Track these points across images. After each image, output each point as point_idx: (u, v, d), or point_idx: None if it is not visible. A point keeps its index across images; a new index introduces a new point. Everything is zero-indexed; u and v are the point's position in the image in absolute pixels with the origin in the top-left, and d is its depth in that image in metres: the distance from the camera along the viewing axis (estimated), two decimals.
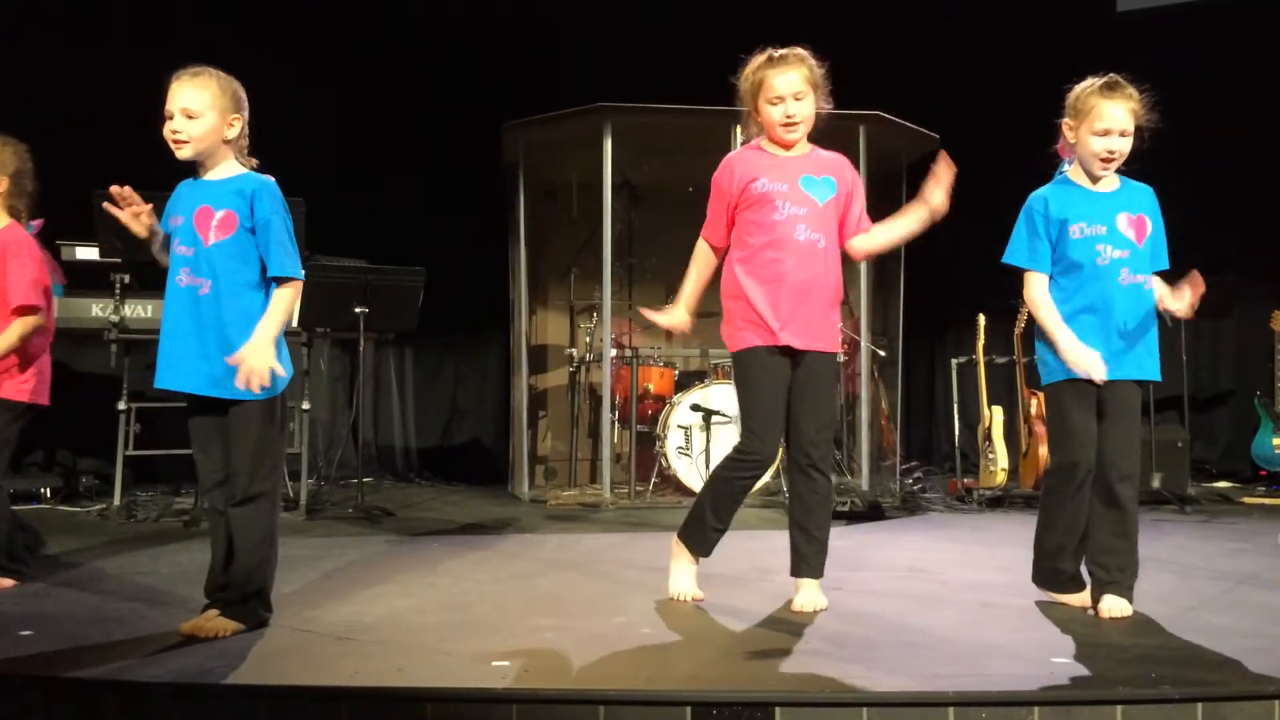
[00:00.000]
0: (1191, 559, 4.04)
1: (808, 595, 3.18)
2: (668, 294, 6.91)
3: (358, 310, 5.22)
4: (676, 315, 3.30)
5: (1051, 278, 3.13)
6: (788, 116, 3.10)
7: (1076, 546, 3.14)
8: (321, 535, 4.66)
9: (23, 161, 3.59)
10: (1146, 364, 3.13)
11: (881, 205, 3.43)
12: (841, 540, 4.62)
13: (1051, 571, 3.19)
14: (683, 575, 3.30)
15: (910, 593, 3.44)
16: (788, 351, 3.12)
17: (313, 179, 6.16)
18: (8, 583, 3.47)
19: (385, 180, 7.04)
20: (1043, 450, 5.68)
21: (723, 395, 5.89)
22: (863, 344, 6.32)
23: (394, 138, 7.08)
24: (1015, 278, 3.19)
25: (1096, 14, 7.21)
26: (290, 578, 3.67)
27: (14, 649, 2.68)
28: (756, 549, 4.28)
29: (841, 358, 6.49)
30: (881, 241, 3.24)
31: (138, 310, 5.38)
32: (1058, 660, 2.57)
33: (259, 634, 2.83)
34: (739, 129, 6.15)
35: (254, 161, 3.01)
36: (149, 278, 5.11)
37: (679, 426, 5.91)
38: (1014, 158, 3.25)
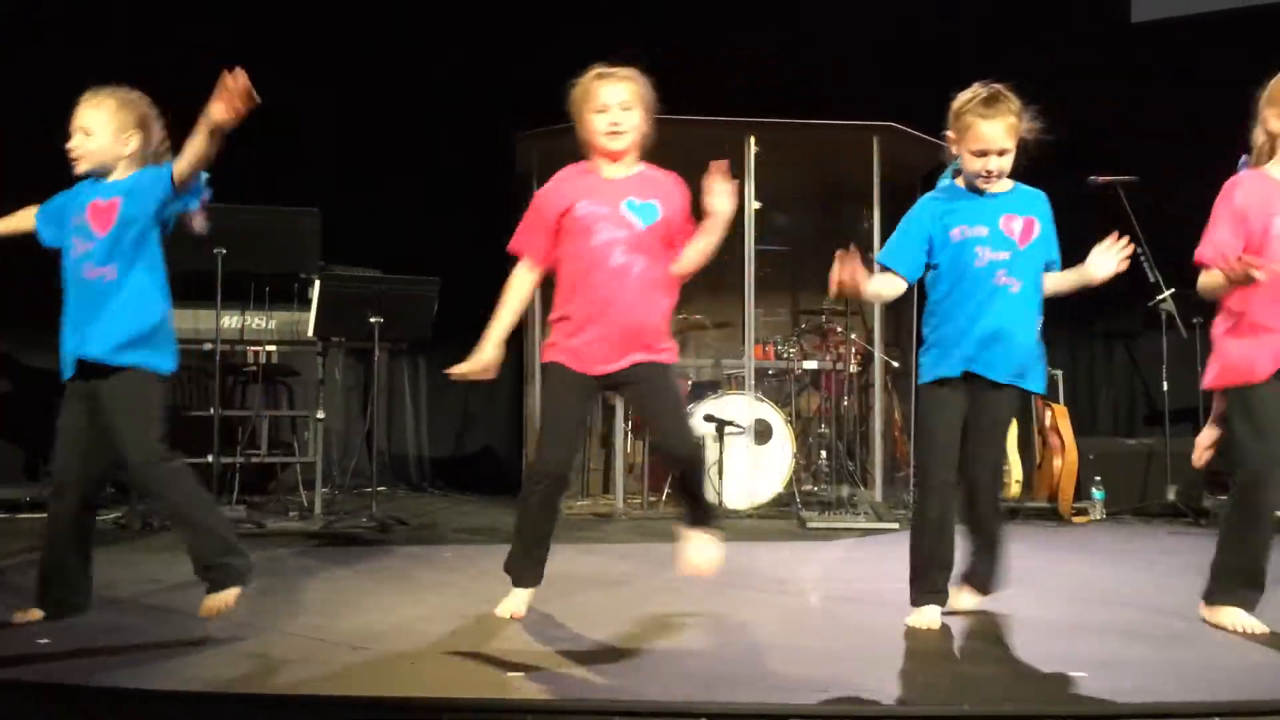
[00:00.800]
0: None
1: (697, 547, 3.20)
2: (681, 303, 6.95)
3: (372, 320, 5.24)
4: (481, 358, 3.16)
5: (931, 284, 3.11)
6: (612, 124, 3.08)
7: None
8: (336, 545, 4.67)
9: None
10: (1028, 373, 3.08)
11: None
12: (856, 552, 4.61)
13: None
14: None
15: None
16: (599, 381, 3.11)
17: (321, 187, 6.22)
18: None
19: (391, 185, 7.06)
20: (1056, 462, 5.66)
21: (736, 406, 5.89)
22: (876, 355, 6.31)
23: (401, 141, 7.08)
24: None
25: (1111, 24, 7.20)
26: (305, 586, 3.68)
27: (36, 657, 2.69)
28: (774, 559, 4.28)
29: (855, 369, 6.51)
30: (698, 256, 3.17)
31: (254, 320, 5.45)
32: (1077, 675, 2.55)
33: (274, 642, 2.84)
34: (752, 139, 6.24)
35: None
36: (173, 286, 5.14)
37: None
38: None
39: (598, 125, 3.09)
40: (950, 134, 3.08)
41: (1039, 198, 3.13)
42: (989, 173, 3.01)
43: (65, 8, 6.33)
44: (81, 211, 3.02)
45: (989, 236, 3.03)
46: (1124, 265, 3.08)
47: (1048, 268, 3.11)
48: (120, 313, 2.96)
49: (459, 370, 3.14)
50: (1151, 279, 5.62)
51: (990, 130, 2.98)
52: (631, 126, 3.10)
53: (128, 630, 2.98)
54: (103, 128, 3.01)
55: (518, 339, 7.14)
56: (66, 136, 3.05)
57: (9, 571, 3.81)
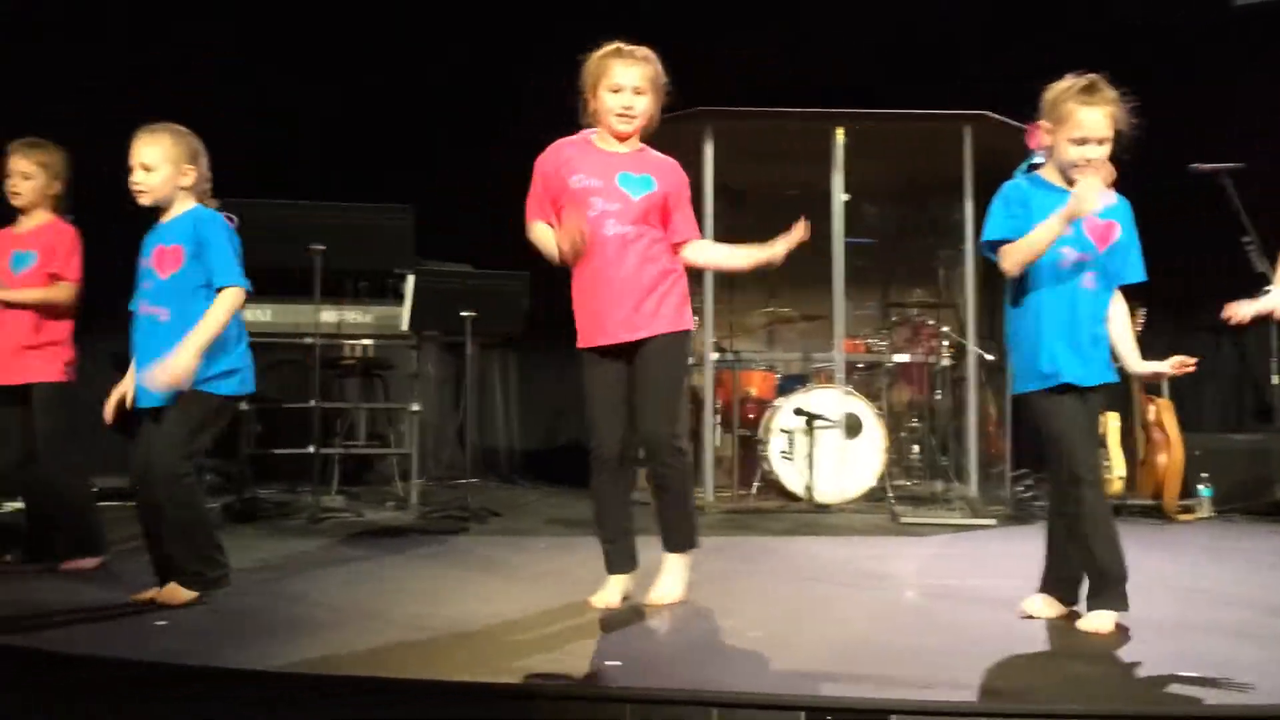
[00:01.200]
0: None
1: (662, 585, 3.24)
2: (769, 296, 6.95)
3: (464, 315, 5.32)
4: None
5: (1013, 280, 3.03)
6: (625, 107, 3.10)
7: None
8: (432, 534, 4.76)
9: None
10: (1107, 368, 3.03)
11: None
12: (951, 548, 4.55)
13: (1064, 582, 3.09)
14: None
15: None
16: (621, 348, 3.14)
17: (417, 183, 6.33)
18: (90, 563, 3.77)
19: (485, 181, 7.15)
20: (1161, 458, 5.51)
21: (826, 399, 5.84)
22: (969, 348, 6.21)
23: (491, 138, 7.14)
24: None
25: (1212, 7, 6.96)
26: (402, 575, 3.77)
27: (152, 639, 2.81)
28: (867, 555, 4.25)
29: (947, 362, 6.40)
30: (713, 260, 3.32)
31: (257, 314, 5.57)
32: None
33: (378, 629, 2.91)
34: (840, 131, 6.18)
35: (216, 203, 3.31)
36: (267, 283, 5.29)
37: (782, 430, 5.89)
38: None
39: (610, 104, 3.12)
40: (1045, 123, 3.00)
41: (1121, 203, 3.07)
42: (1087, 162, 2.94)
43: (65, 8, 6.26)
44: (149, 254, 3.24)
45: (1073, 237, 2.96)
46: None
47: (1119, 278, 3.05)
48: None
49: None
50: (1259, 268, 5.41)
51: (1091, 117, 2.91)
52: (642, 111, 3.13)
53: (234, 613, 3.08)
54: (162, 162, 3.21)
55: None
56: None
57: (120, 557, 3.97)
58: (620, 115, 3.12)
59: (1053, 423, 3.00)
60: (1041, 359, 2.98)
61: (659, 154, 3.26)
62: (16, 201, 3.88)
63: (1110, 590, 2.93)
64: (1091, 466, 3.02)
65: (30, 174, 3.84)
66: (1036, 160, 3.11)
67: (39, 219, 3.89)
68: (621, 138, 3.17)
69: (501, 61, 7.06)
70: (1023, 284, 3.04)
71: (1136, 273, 3.06)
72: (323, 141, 6.92)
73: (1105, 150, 2.95)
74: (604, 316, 3.14)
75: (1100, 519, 2.98)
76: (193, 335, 3.11)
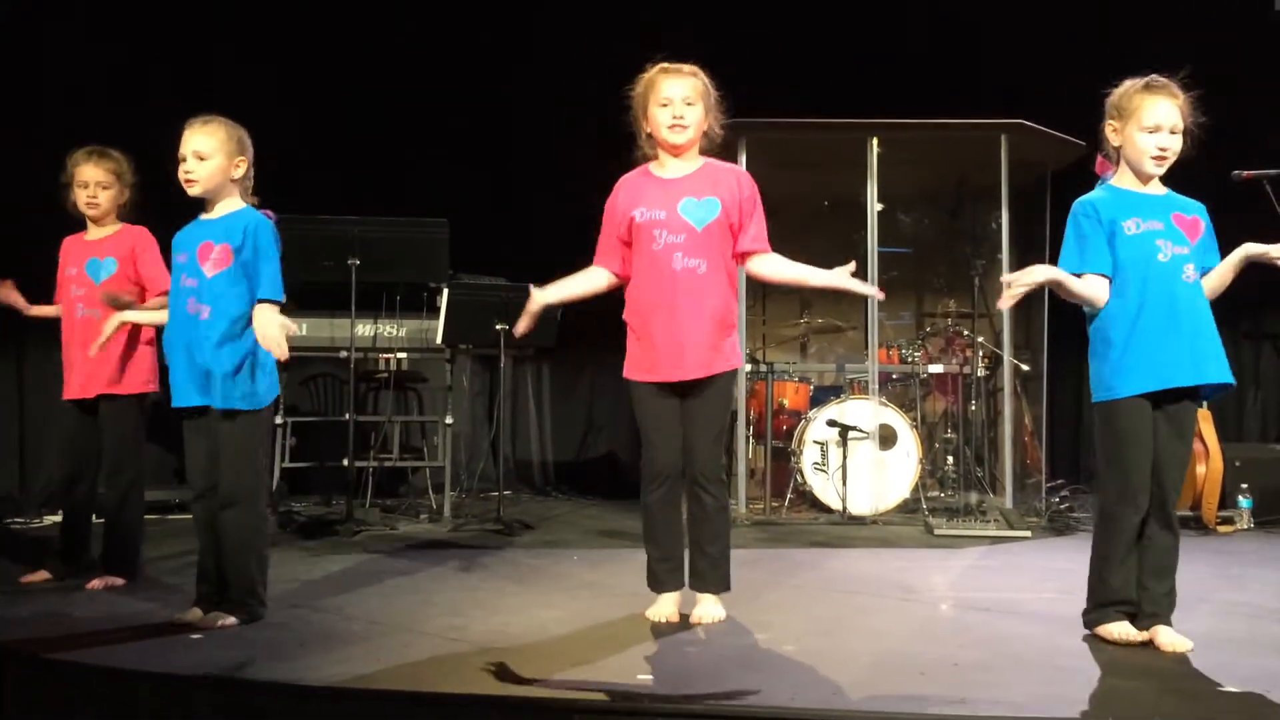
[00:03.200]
0: None
1: (704, 607, 3.20)
2: (802, 308, 6.93)
3: (498, 327, 5.35)
4: (529, 306, 3.31)
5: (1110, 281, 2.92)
6: (675, 118, 3.10)
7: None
8: (465, 547, 4.78)
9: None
10: (1220, 366, 2.89)
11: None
12: (987, 560, 4.51)
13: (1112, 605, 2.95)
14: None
15: (1058, 614, 3.32)
16: (676, 385, 3.14)
17: (455, 197, 6.38)
18: (120, 581, 3.73)
19: (518, 196, 7.19)
20: (1200, 469, 5.43)
21: (860, 411, 5.82)
22: (1005, 358, 6.16)
23: (531, 154, 7.19)
24: None
25: (1253, 14, 6.88)
26: (437, 588, 3.78)
27: (187, 653, 2.84)
28: (901, 567, 4.21)
29: (982, 372, 6.36)
30: (782, 276, 3.26)
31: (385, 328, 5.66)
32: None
33: (411, 642, 2.93)
34: (875, 141, 6.17)
35: (255, 199, 3.31)
36: (302, 296, 5.35)
37: (815, 442, 5.86)
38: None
39: (661, 119, 3.14)
40: (1112, 123, 2.95)
41: (1198, 204, 3.01)
42: (1163, 150, 2.88)
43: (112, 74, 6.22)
44: (193, 247, 3.22)
45: (1166, 230, 2.90)
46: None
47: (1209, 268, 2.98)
48: (215, 352, 3.16)
49: (518, 330, 3.32)
50: None
51: (1160, 105, 2.87)
52: (694, 121, 3.14)
53: (269, 626, 3.11)
54: (216, 152, 3.19)
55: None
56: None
57: (162, 570, 4.01)
58: (673, 127, 3.13)
59: (1122, 431, 2.88)
60: (1138, 361, 2.86)
61: (723, 164, 3.24)
62: (94, 212, 3.87)
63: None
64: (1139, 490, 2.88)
65: (108, 183, 3.85)
66: (1108, 180, 3.04)
67: (110, 227, 3.91)
68: (678, 151, 3.17)
69: (527, 73, 7.10)
70: (1116, 282, 2.91)
71: (1217, 259, 2.99)
72: (453, 154, 6.99)
73: (1178, 140, 2.90)
74: (662, 354, 3.14)
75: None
76: (265, 314, 3.14)
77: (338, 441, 5.59)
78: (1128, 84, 2.95)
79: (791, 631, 3.06)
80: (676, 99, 3.12)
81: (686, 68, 3.17)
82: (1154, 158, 2.89)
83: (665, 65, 3.17)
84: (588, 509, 6.45)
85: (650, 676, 2.54)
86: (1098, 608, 2.96)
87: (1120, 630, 2.89)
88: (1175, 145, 2.90)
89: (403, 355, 6.08)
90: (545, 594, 3.68)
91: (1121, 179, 2.99)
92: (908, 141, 6.07)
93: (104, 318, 3.62)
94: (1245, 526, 5.36)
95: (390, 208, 5.90)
